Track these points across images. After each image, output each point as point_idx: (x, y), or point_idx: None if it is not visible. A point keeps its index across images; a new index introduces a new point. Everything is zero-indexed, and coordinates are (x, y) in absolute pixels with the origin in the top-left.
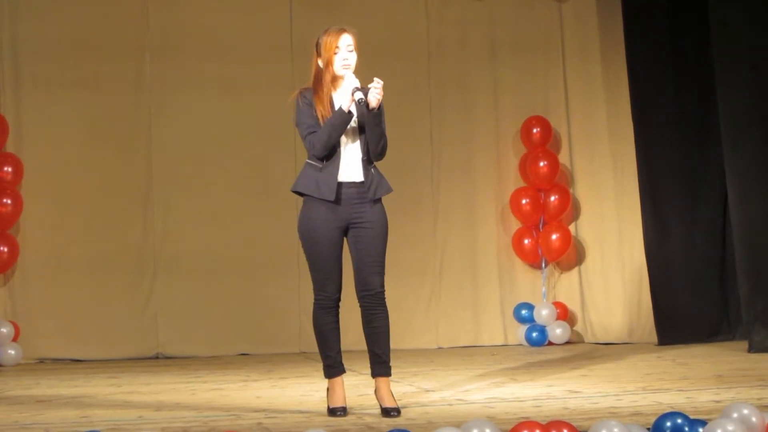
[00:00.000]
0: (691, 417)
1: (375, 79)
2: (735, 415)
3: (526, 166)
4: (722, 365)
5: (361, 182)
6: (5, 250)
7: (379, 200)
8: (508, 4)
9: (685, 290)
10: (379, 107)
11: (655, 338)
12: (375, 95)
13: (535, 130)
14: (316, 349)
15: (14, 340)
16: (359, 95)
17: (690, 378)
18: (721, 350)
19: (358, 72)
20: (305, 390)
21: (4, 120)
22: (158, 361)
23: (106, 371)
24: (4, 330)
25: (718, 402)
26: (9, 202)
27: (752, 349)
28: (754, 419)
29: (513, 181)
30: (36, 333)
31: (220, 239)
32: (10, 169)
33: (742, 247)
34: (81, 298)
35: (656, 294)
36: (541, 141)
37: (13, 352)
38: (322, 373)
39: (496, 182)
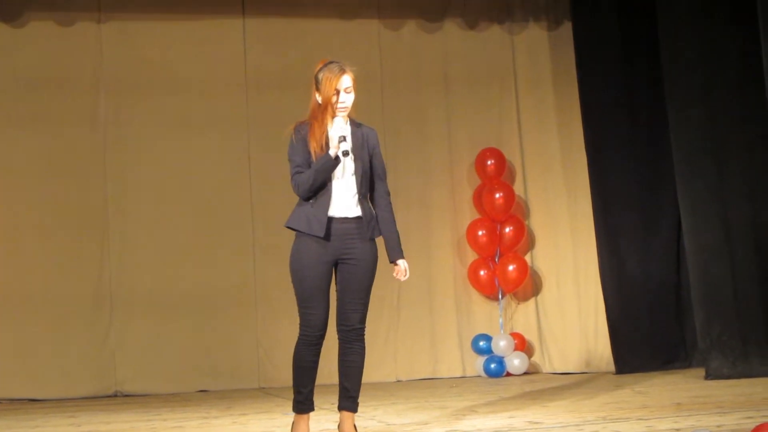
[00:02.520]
0: None
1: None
2: None
3: (481, 198)
4: (680, 393)
5: (358, 217)
6: None
7: (373, 238)
8: (461, 37)
9: (641, 318)
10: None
11: (612, 367)
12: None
13: (489, 162)
14: (275, 383)
15: None
16: (345, 146)
17: (649, 406)
18: (679, 378)
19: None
20: (266, 426)
21: None
22: (117, 399)
23: (65, 410)
24: None
25: (677, 430)
26: None
27: (709, 376)
28: None
29: (468, 212)
30: None
31: (177, 275)
32: None
33: (696, 274)
34: (37, 336)
35: (613, 323)
36: (495, 173)
37: None
38: (283, 408)
39: (452, 214)
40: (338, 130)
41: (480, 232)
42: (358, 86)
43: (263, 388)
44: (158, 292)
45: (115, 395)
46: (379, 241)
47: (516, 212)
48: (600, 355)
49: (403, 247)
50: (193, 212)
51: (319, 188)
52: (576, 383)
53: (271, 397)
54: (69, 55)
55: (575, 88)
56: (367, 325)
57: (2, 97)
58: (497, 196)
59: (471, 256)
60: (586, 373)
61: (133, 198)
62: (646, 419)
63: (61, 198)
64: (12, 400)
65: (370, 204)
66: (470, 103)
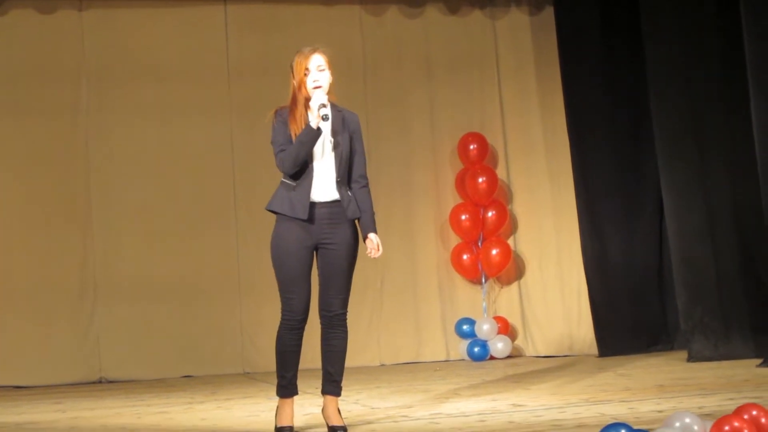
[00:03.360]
0: (635, 427)
1: (377, 246)
2: (677, 424)
3: (464, 182)
4: (663, 375)
5: (336, 201)
6: None
7: (353, 222)
8: (443, 23)
9: (623, 301)
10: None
11: (595, 350)
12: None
13: (471, 147)
14: (259, 369)
15: None
16: (324, 111)
17: (632, 388)
18: (661, 360)
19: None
20: (251, 410)
21: None
22: (102, 385)
23: (50, 397)
24: None
25: (660, 411)
26: None
27: (691, 359)
28: (696, 427)
29: (451, 197)
30: None
31: (161, 262)
32: None
33: (678, 257)
34: (21, 323)
35: (595, 306)
36: (478, 157)
37: None
38: (267, 393)
39: (435, 199)
40: (317, 99)
41: (463, 217)
42: (340, 71)
43: (247, 373)
44: (142, 279)
45: (99, 381)
46: None
47: (499, 196)
48: (583, 338)
49: (386, 231)
50: (177, 199)
51: (302, 167)
52: (559, 366)
53: (256, 382)
54: (50, 43)
55: (557, 73)
56: (349, 309)
57: None
58: (480, 180)
59: (454, 240)
60: (569, 356)
61: (116, 186)
62: (628, 401)
63: (44, 186)
64: None
65: (349, 188)
66: (452, 87)
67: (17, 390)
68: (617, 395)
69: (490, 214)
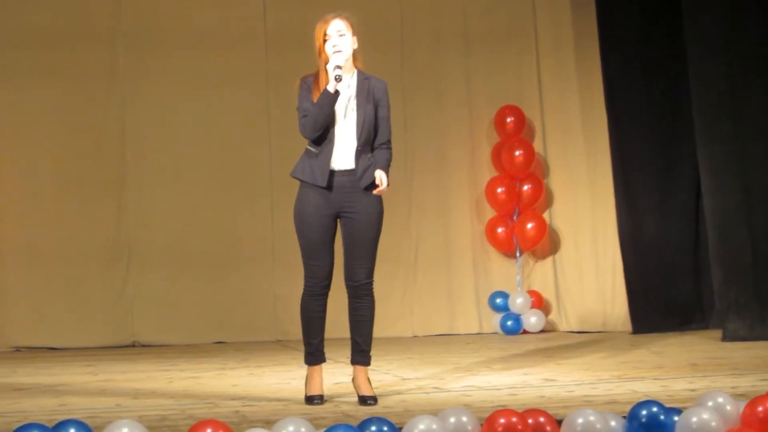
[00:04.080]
0: (666, 405)
1: (380, 179)
2: (710, 403)
3: (500, 155)
4: (696, 354)
5: (353, 170)
6: None
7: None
8: None
9: (658, 279)
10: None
11: (629, 327)
12: (380, 192)
13: (508, 120)
14: (292, 337)
15: None
16: (337, 72)
17: (665, 367)
18: (695, 339)
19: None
20: (282, 378)
21: None
22: (134, 349)
23: (83, 359)
24: None
25: (693, 390)
26: None
27: (726, 338)
28: (728, 407)
29: (486, 170)
30: (11, 322)
31: (195, 228)
32: None
33: (715, 236)
34: (56, 286)
35: (630, 283)
36: (515, 130)
37: None
38: (299, 361)
39: (470, 171)
40: (333, 62)
41: (499, 190)
42: (377, 43)
43: (280, 340)
44: (176, 245)
45: (132, 345)
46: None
47: (535, 170)
48: (617, 315)
49: (421, 203)
50: (211, 166)
51: (323, 134)
52: (592, 342)
53: (288, 349)
54: (87, 8)
55: (596, 48)
56: (383, 281)
57: (21, 51)
58: (517, 153)
59: (489, 213)
60: (603, 332)
61: (151, 151)
62: (661, 379)
63: (79, 151)
64: (31, 349)
65: (370, 155)
66: (490, 60)
67: (51, 352)
68: (650, 373)
69: (525, 187)
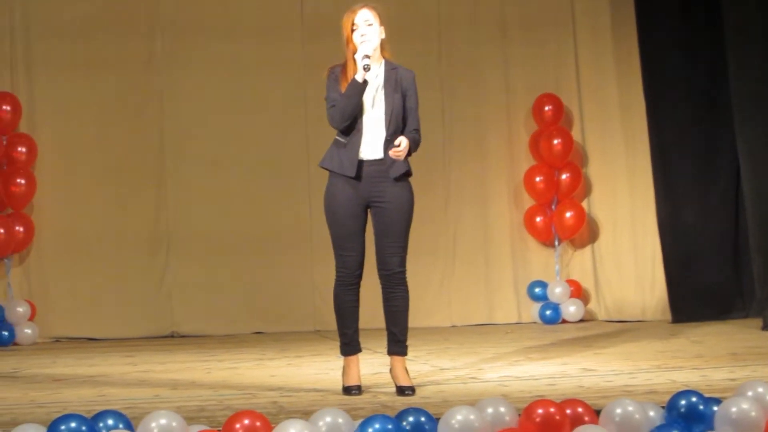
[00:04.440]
0: (706, 395)
1: (395, 144)
2: (750, 393)
3: (538, 144)
4: (736, 343)
5: (381, 159)
6: (21, 230)
7: (404, 180)
8: None
9: (698, 267)
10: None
11: (668, 316)
12: (395, 156)
13: (546, 108)
14: (330, 327)
15: (30, 319)
16: (366, 61)
17: (704, 356)
18: (735, 328)
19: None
20: (320, 368)
21: (17, 100)
22: (173, 339)
23: (122, 350)
24: (20, 309)
25: (733, 380)
26: (23, 182)
27: (766, 327)
28: None
29: (524, 159)
30: (52, 312)
31: (233, 217)
32: (23, 150)
33: (755, 223)
34: (96, 277)
35: (669, 271)
36: (553, 119)
37: (29, 331)
38: (337, 351)
39: (508, 160)
40: (361, 51)
41: (537, 178)
42: (415, 30)
43: (318, 331)
44: (214, 235)
45: (171, 336)
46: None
47: (573, 159)
48: (656, 304)
49: (459, 192)
50: (249, 154)
51: (351, 124)
52: (631, 331)
53: (326, 340)
54: None
55: (634, 34)
56: (421, 271)
57: (60, 41)
58: (555, 142)
59: (527, 202)
60: (642, 321)
61: (190, 140)
62: (700, 369)
63: (118, 140)
64: (71, 339)
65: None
66: (527, 48)
67: (90, 342)
68: (689, 362)
69: (564, 176)
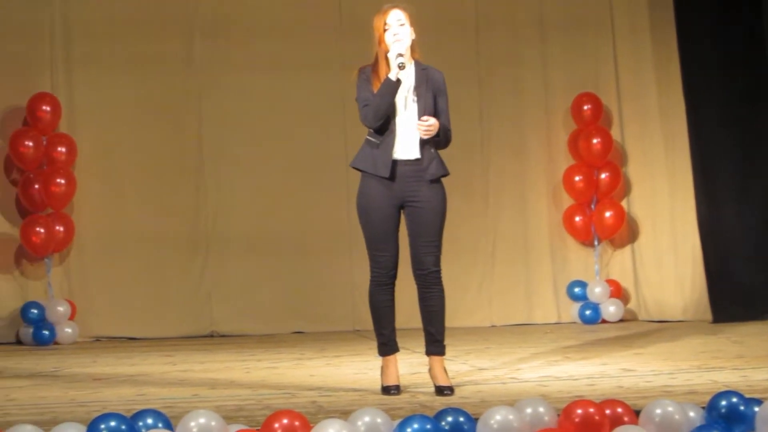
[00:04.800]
0: (747, 396)
1: (424, 119)
2: None
3: (577, 143)
4: None
5: (417, 159)
6: (61, 229)
7: (438, 180)
8: None
9: (739, 267)
10: (438, 132)
11: (709, 316)
12: (423, 131)
13: (585, 107)
14: (369, 327)
15: (71, 318)
16: (400, 60)
17: (745, 356)
18: None
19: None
20: (359, 368)
21: (57, 100)
22: (213, 339)
23: (162, 349)
24: (60, 308)
25: None
26: (63, 182)
27: None
28: None
29: (563, 158)
30: (92, 311)
31: (272, 217)
32: (63, 149)
33: None
34: (135, 276)
35: (710, 271)
36: (592, 118)
37: (69, 330)
38: (375, 351)
39: (547, 160)
40: (395, 50)
41: (576, 178)
42: (453, 30)
43: (357, 330)
44: (253, 234)
45: (210, 335)
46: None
47: (613, 158)
48: (696, 304)
49: (498, 192)
50: (288, 154)
51: (385, 124)
52: (671, 331)
53: (365, 339)
54: None
55: (673, 34)
56: (460, 270)
57: (99, 39)
58: (594, 141)
59: (566, 202)
60: (682, 321)
61: (228, 140)
62: (741, 369)
63: (157, 140)
64: (111, 338)
65: (433, 149)
66: (566, 47)
67: (130, 342)
68: (730, 362)
69: (603, 175)
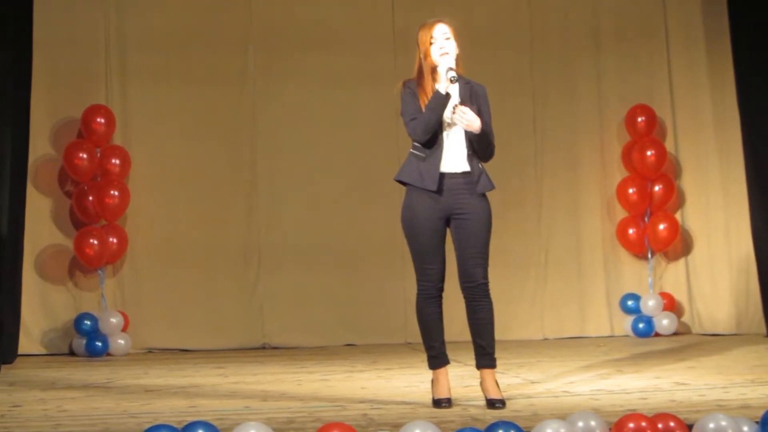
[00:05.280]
0: None
1: (458, 107)
2: None
3: (631, 155)
4: None
5: (466, 172)
6: (114, 241)
7: (484, 193)
8: None
9: None
10: (482, 128)
11: (763, 329)
12: (462, 121)
13: (640, 119)
14: (421, 339)
15: (123, 330)
16: (452, 74)
17: None
18: None
19: (465, 61)
20: (410, 381)
21: (112, 113)
22: (264, 351)
23: (214, 361)
24: (113, 320)
25: None
26: (116, 194)
27: None
28: None
29: (617, 170)
30: (144, 323)
31: (325, 229)
32: (117, 162)
33: None
34: (188, 288)
35: (765, 284)
36: (646, 130)
37: (122, 341)
38: (426, 363)
39: (601, 172)
40: (445, 64)
41: (630, 190)
42: (506, 42)
43: (409, 343)
44: (306, 246)
45: (263, 347)
46: (491, 193)
47: (667, 170)
48: (751, 317)
49: (551, 204)
50: (341, 166)
51: (432, 137)
52: (725, 345)
53: (417, 352)
54: (219, 11)
55: (728, 46)
56: (513, 283)
57: (154, 52)
58: (648, 153)
59: (620, 214)
60: (737, 335)
61: (282, 152)
62: None
63: (210, 153)
64: (164, 350)
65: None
66: (620, 59)
67: (182, 353)
68: None
69: (657, 188)
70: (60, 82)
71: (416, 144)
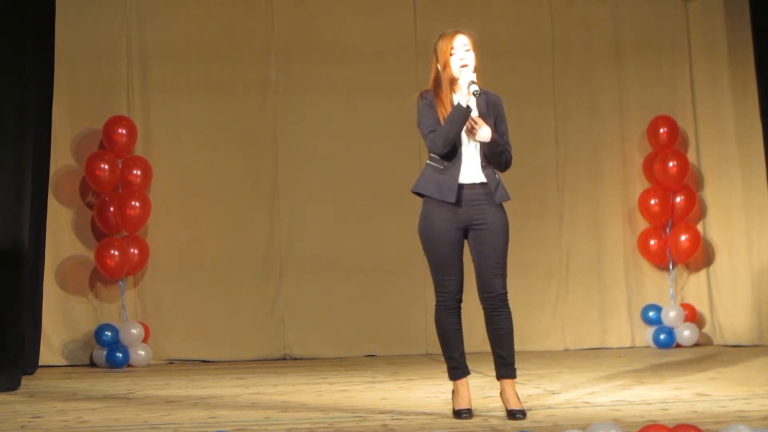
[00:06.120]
0: None
1: (470, 118)
2: None
3: (652, 166)
4: None
5: (483, 183)
6: (135, 252)
7: (501, 204)
8: (633, 4)
9: None
10: (493, 138)
11: None
12: (475, 132)
13: (662, 130)
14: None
15: (144, 341)
16: (474, 87)
17: None
18: None
19: (483, 73)
20: (431, 392)
21: (133, 123)
22: (285, 362)
23: (234, 372)
24: (134, 331)
25: None
26: (138, 204)
27: None
28: None
29: (639, 182)
30: (165, 334)
31: (346, 240)
32: (138, 172)
33: None
34: (209, 299)
35: None
36: (668, 141)
37: (143, 353)
38: (447, 374)
39: (622, 183)
40: (466, 77)
41: (652, 201)
42: (528, 52)
43: (430, 354)
44: (327, 258)
45: (283, 358)
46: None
47: (689, 182)
48: None
49: (572, 215)
50: (362, 177)
51: (452, 148)
52: (747, 356)
53: (437, 363)
54: (241, 22)
55: (751, 57)
56: (534, 293)
57: (175, 63)
58: (670, 164)
59: (641, 225)
60: (758, 345)
61: (303, 163)
62: None
63: (232, 163)
64: (185, 361)
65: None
66: (642, 70)
67: (203, 364)
68: None
69: (679, 199)
70: (81, 94)
71: (433, 155)
